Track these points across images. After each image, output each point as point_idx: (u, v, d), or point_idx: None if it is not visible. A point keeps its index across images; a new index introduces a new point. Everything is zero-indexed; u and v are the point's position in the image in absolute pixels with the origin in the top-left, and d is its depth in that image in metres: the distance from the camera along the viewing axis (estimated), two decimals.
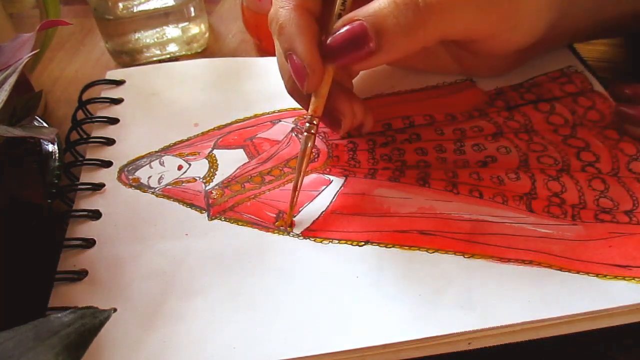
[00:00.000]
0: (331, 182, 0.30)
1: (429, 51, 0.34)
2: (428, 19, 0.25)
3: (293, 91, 0.30)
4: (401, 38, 0.25)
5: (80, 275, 0.26)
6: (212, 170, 0.31)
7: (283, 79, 0.30)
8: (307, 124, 0.28)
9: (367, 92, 0.35)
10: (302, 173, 0.28)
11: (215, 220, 0.29)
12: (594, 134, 0.32)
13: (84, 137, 0.34)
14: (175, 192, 0.30)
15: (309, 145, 0.28)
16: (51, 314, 0.22)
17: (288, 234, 0.28)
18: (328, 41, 0.26)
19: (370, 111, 0.31)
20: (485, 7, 0.27)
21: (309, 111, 0.28)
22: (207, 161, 0.32)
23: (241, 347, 0.23)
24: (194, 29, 0.44)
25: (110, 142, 0.33)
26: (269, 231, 0.28)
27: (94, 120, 0.35)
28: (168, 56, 0.44)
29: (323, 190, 0.30)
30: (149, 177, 0.31)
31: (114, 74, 0.38)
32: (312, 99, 0.28)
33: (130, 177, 0.31)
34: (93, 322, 0.20)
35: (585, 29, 0.34)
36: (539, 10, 0.29)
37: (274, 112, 0.35)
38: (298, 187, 0.28)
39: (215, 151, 0.32)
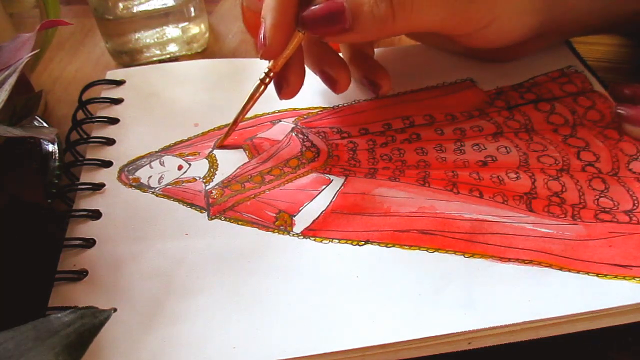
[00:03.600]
0: (331, 181, 0.30)
1: None
2: (398, 14, 0.28)
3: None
4: (372, 25, 0.28)
5: (80, 275, 0.26)
6: (212, 170, 0.31)
7: None
8: (263, 74, 0.31)
9: (368, 94, 0.36)
10: (244, 110, 0.32)
11: (215, 220, 0.29)
12: (594, 133, 0.32)
13: (84, 137, 0.34)
14: (175, 192, 0.30)
15: (260, 90, 0.31)
16: (51, 314, 0.22)
17: (288, 233, 0.28)
18: (306, 12, 0.28)
19: (384, 72, 0.34)
20: (453, 10, 0.29)
21: (269, 64, 0.31)
22: (207, 161, 0.32)
23: (241, 346, 0.23)
24: (194, 29, 0.44)
25: (110, 142, 0.33)
26: (269, 230, 0.28)
27: (94, 120, 0.35)
28: (168, 56, 0.44)
29: (323, 189, 0.30)
30: (149, 177, 0.31)
31: (114, 74, 0.38)
32: None
33: (130, 177, 0.31)
34: (93, 322, 0.20)
35: (592, 25, 0.35)
36: (519, 14, 0.31)
37: (274, 112, 0.35)
38: (237, 121, 0.32)
39: (215, 151, 0.32)
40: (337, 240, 0.27)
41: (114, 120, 0.35)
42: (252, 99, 0.32)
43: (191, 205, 0.29)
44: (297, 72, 0.31)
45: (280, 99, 0.32)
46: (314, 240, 0.27)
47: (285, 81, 0.31)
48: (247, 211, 0.29)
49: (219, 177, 0.31)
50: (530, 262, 0.25)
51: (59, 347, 0.19)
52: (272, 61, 0.31)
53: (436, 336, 0.23)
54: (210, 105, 0.36)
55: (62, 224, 0.29)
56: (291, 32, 0.29)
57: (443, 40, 0.35)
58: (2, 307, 0.25)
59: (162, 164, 0.32)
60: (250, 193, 0.30)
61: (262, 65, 0.38)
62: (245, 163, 0.32)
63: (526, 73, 0.36)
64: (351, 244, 0.27)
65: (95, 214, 0.29)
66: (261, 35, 0.29)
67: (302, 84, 0.32)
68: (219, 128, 0.34)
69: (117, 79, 0.38)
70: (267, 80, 0.31)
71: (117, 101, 0.36)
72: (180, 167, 0.32)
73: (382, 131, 0.33)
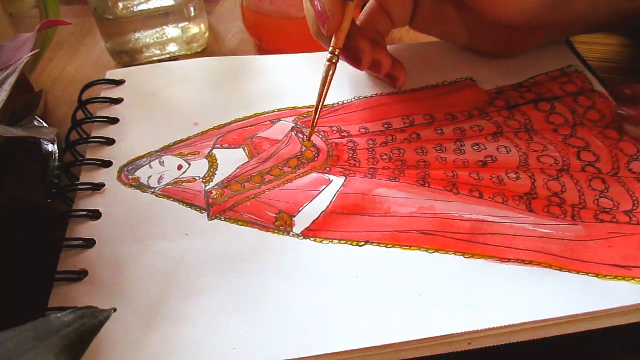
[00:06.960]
0: (331, 181, 0.30)
1: (445, 17, 0.36)
2: None
3: (318, 34, 0.32)
4: None
5: (80, 275, 0.26)
6: (212, 170, 0.31)
7: (309, 22, 0.33)
8: (330, 55, 0.31)
9: (368, 91, 0.36)
10: (322, 97, 0.31)
11: (215, 220, 0.29)
12: (595, 133, 0.32)
13: (84, 137, 0.34)
14: (175, 192, 0.30)
15: (330, 73, 0.31)
16: (51, 314, 0.22)
17: (288, 234, 0.28)
18: None
19: (401, 64, 0.34)
20: None
21: (331, 44, 0.31)
22: (207, 161, 0.32)
23: (241, 347, 0.23)
24: (194, 29, 0.44)
25: (110, 142, 0.33)
26: (269, 231, 0.28)
27: (94, 120, 0.35)
28: (168, 56, 0.44)
29: (323, 190, 0.30)
30: (149, 177, 0.31)
31: (114, 74, 0.38)
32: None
33: (130, 177, 0.31)
34: (93, 322, 0.20)
35: (597, 19, 0.34)
36: None
37: (273, 111, 0.35)
38: (319, 110, 0.31)
39: (215, 151, 0.32)
40: (337, 241, 0.27)
41: (113, 120, 0.35)
42: (326, 82, 0.31)
43: (191, 205, 0.29)
44: (364, 41, 0.32)
45: (362, 70, 0.33)
46: (314, 240, 0.27)
47: (360, 50, 0.32)
48: (247, 212, 0.29)
49: (218, 177, 0.31)
50: (530, 262, 0.25)
51: (59, 347, 0.19)
52: (333, 40, 0.31)
53: (436, 337, 0.23)
54: (210, 105, 0.36)
55: (62, 224, 0.29)
56: (343, 2, 0.30)
57: (453, 23, 0.35)
58: (2, 307, 0.25)
59: (162, 164, 0.32)
60: (250, 193, 0.30)
61: (261, 63, 0.39)
62: (245, 163, 0.32)
63: (526, 73, 0.36)
64: (351, 244, 0.27)
65: (95, 214, 0.29)
66: (319, 9, 0.30)
67: (372, 50, 0.32)
68: (219, 127, 0.34)
69: (117, 79, 0.38)
70: (335, 59, 0.31)
71: (117, 101, 0.36)
72: (180, 167, 0.32)
73: (382, 130, 0.33)
